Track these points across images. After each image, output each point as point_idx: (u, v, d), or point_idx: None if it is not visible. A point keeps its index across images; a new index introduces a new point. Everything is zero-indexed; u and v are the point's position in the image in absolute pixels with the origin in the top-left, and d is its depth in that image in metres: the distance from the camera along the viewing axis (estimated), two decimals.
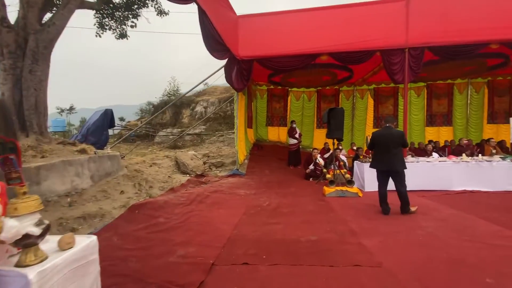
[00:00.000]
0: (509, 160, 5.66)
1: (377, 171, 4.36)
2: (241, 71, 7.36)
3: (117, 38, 10.10)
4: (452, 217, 3.86)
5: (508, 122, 10.53)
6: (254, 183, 6.71)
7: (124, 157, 8.40)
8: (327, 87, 12.01)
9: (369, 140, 8.52)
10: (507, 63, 7.78)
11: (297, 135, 9.20)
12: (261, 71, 9.03)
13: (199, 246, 2.95)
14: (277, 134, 12.56)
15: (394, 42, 6.67)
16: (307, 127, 12.34)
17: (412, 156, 7.39)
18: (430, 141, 10.44)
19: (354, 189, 5.29)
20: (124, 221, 3.68)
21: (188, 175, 7.04)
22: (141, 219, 3.84)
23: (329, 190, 5.30)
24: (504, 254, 2.62)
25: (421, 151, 8.34)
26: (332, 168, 6.41)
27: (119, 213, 3.88)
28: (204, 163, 8.46)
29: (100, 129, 8.60)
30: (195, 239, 3.16)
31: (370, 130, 11.93)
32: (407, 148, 8.11)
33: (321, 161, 7.35)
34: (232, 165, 8.50)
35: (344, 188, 5.29)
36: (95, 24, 9.18)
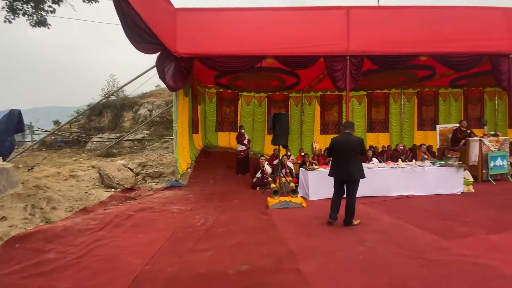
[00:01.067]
0: (438, 165, 6.01)
1: (334, 180, 4.13)
2: (180, 70, 6.62)
3: (33, 26, 8.48)
4: (392, 228, 3.73)
5: (434, 129, 11.77)
6: (194, 196, 5.98)
7: (32, 169, 6.87)
8: (277, 93, 11.93)
9: (315, 146, 8.58)
10: (434, 75, 8.55)
11: (245, 141, 8.74)
12: (206, 72, 8.38)
13: None
14: (227, 139, 11.96)
15: (336, 49, 6.70)
16: (258, 133, 12.05)
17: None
18: (370, 147, 10.99)
19: (297, 199, 4.97)
20: None
21: (113, 190, 5.97)
22: (21, 256, 2.85)
23: (272, 201, 4.89)
24: (444, 272, 2.44)
25: (362, 157, 8.61)
26: (278, 176, 6.07)
27: None
28: (137, 174, 7.40)
29: (3, 134, 6.92)
30: (87, 284, 2.35)
31: (317, 137, 12.17)
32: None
33: (268, 169, 6.97)
34: (173, 175, 7.62)
35: (287, 199, 4.94)
36: (3, 8, 7.54)
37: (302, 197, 5.77)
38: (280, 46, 6.62)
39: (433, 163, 6.11)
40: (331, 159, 4.45)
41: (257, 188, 6.74)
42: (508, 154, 6.90)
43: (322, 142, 12.06)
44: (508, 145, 6.97)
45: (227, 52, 6.58)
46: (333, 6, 6.87)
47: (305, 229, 3.80)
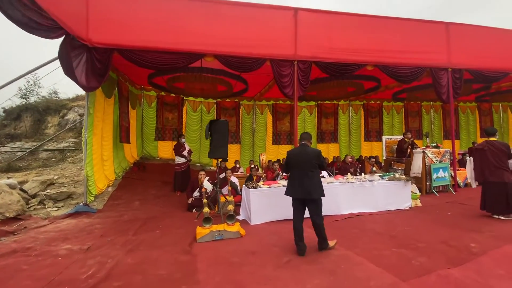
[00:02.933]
0: (386, 179, 5.68)
1: (292, 199, 3.54)
2: (93, 64, 5.27)
3: None
4: (342, 264, 3.00)
5: (379, 140, 12.09)
6: (103, 226, 4.61)
7: None
8: (227, 99, 11.04)
9: (262, 158, 7.80)
10: (379, 87, 8.58)
11: (185, 152, 7.56)
12: (136, 69, 7.08)
13: None
14: (169, 150, 10.54)
15: (284, 52, 6.09)
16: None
17: None
18: None
19: (234, 226, 4.02)
20: None
21: None
22: None
23: (201, 232, 3.85)
24: None
25: None
26: (218, 194, 5.06)
27: None
28: (33, 196, 5.68)
29: None
30: None
31: (270, 147, 11.55)
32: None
33: (208, 186, 5.91)
34: (102, 195, 6.09)
35: (221, 227, 3.95)
36: None
37: (244, 220, 4.86)
38: (221, 43, 5.75)
39: (382, 177, 5.78)
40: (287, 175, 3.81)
41: (194, 210, 5.62)
42: (449, 165, 7.01)
43: (274, 153, 11.48)
44: (449, 157, 7.10)
45: (155, 45, 5.46)
46: (280, 6, 6.30)
47: (236, 274, 2.85)
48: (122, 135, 7.52)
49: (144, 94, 10.17)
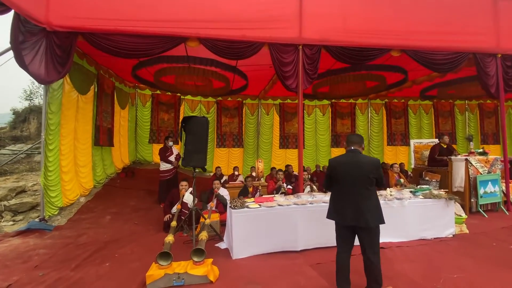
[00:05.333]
0: (420, 196, 4.29)
1: (336, 225, 2.69)
2: (52, 51, 4.34)
3: None
4: None
5: (405, 145, 10.49)
6: (48, 251, 3.61)
7: None
8: (229, 98, 9.95)
9: (258, 166, 6.49)
10: (405, 80, 7.12)
11: (172, 158, 6.50)
12: (117, 62, 6.19)
13: None
14: None
15: (285, 34, 4.89)
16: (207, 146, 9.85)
17: (313, 187, 5.65)
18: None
19: (202, 267, 2.83)
20: None
21: None
22: None
23: (154, 274, 2.70)
24: None
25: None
26: (193, 213, 3.92)
27: None
28: None
29: None
30: None
31: (276, 151, 10.31)
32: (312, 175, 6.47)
33: (188, 200, 4.77)
34: (71, 207, 5.20)
35: (184, 268, 2.78)
36: None
37: (227, 250, 3.66)
38: (206, 24, 4.66)
39: (414, 193, 4.39)
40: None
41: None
42: (500, 178, 5.46)
43: (281, 158, 10.21)
44: (499, 166, 5.55)
45: (125, 26, 4.45)
46: None
47: None
48: (101, 137, 6.57)
49: (138, 93, 9.31)
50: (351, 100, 10.39)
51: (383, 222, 2.53)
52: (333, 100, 10.25)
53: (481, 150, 5.60)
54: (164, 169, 6.40)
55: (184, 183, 4.98)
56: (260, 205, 3.64)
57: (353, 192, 2.54)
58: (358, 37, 5.08)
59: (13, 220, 4.76)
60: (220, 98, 9.90)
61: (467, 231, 4.32)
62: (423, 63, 5.48)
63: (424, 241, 3.98)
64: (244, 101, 10.15)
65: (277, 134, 10.28)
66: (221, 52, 4.86)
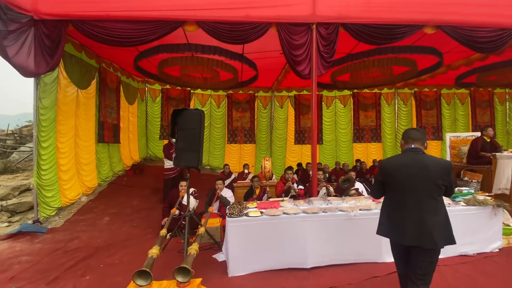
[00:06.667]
0: (461, 203, 3.50)
1: (391, 243, 2.16)
2: (41, 41, 4.04)
3: None
4: None
5: (437, 139, 9.39)
6: (31, 258, 3.33)
7: None
8: (240, 91, 9.41)
9: (265, 165, 5.61)
10: (441, 64, 6.13)
11: None
12: (119, 54, 5.88)
13: None
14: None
15: (296, 11, 4.21)
16: (217, 142, 9.47)
17: (329, 189, 4.97)
18: (357, 161, 8.54)
19: None
20: None
21: None
22: None
23: None
24: None
25: (344, 175, 6.01)
26: (187, 220, 3.46)
27: None
28: None
29: None
30: None
31: (291, 147, 9.65)
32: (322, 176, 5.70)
33: (190, 203, 4.32)
34: (71, 207, 5.00)
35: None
36: None
37: (225, 263, 3.15)
38: (204, 5, 4.12)
39: (454, 198, 3.61)
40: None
41: (167, 235, 4.09)
42: None
43: (296, 155, 9.54)
44: None
45: (117, 11, 4.03)
46: None
47: None
48: (105, 134, 6.32)
49: (148, 88, 9.05)
50: (376, 90, 9.41)
51: (454, 242, 1.94)
52: (355, 90, 9.34)
53: None
54: (169, 166, 6.03)
55: (183, 183, 4.53)
56: (262, 212, 3.07)
57: (415, 203, 1.95)
58: (383, 12, 4.27)
59: (9, 222, 4.59)
60: (230, 92, 9.40)
61: None
62: (463, 41, 4.55)
63: (465, 258, 3.24)
64: (256, 94, 9.57)
65: (292, 128, 9.59)
66: (223, 36, 4.29)
